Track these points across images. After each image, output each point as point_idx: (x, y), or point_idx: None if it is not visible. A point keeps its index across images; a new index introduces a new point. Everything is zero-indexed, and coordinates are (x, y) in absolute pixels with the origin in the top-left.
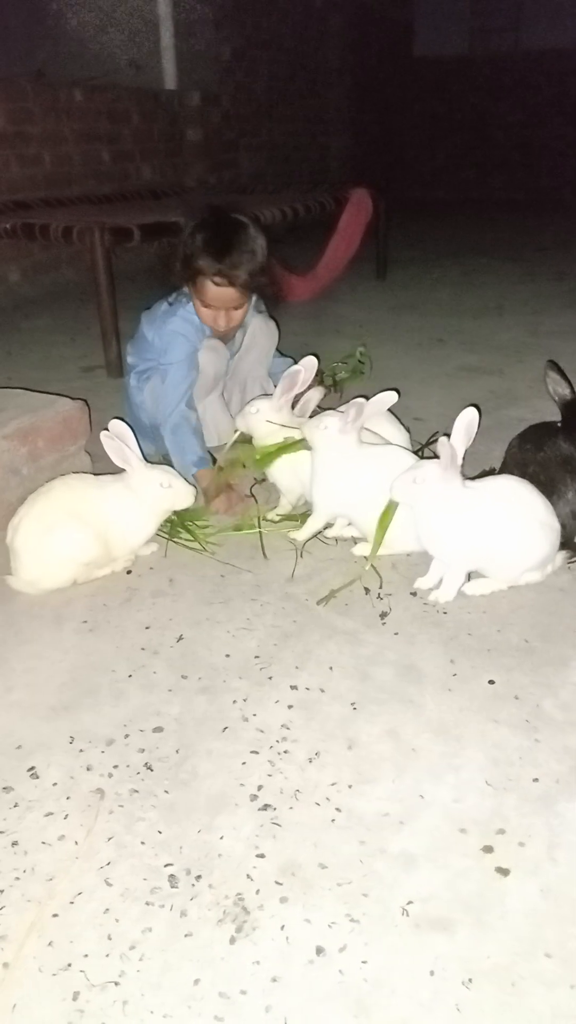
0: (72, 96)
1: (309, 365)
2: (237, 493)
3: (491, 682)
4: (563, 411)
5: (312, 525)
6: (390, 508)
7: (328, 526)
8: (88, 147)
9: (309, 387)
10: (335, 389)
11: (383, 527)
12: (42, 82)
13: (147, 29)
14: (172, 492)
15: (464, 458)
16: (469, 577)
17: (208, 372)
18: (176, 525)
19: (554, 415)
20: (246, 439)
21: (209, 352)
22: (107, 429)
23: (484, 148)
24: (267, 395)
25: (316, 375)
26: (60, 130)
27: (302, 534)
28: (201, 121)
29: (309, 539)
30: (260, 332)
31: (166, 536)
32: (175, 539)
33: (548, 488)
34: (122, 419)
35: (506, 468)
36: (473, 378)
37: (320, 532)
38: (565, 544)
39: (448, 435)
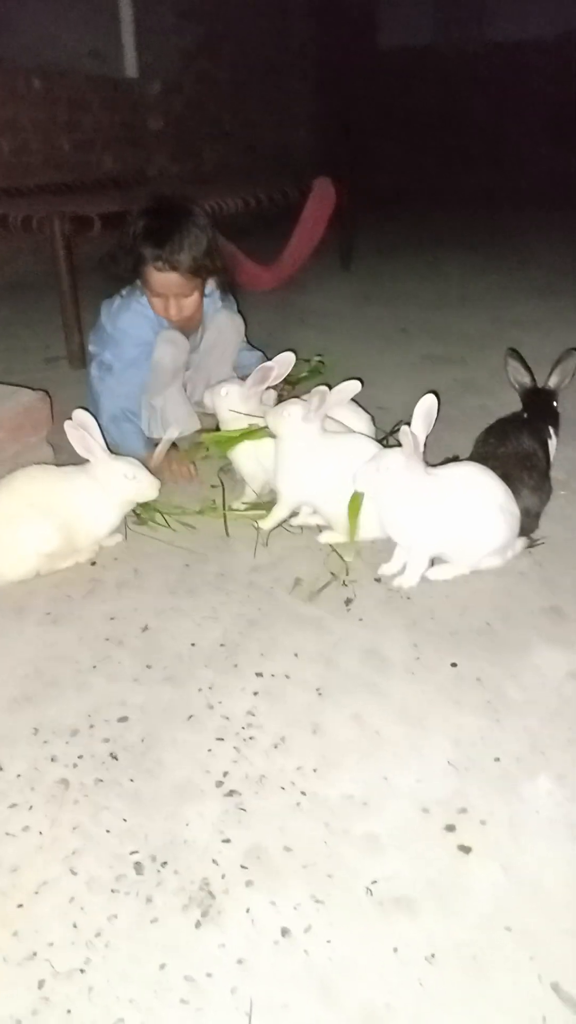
0: (31, 84)
1: (285, 361)
2: (178, 462)
3: (454, 665)
4: (523, 399)
5: (277, 514)
6: (357, 497)
7: (294, 514)
8: (47, 136)
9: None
10: (292, 389)
11: (354, 517)
12: None
13: (107, 16)
14: (136, 483)
15: (427, 446)
16: (432, 562)
17: (166, 365)
18: (143, 510)
19: (516, 403)
20: (209, 429)
21: (167, 345)
22: (71, 419)
23: (448, 139)
24: (238, 380)
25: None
26: (18, 118)
27: (268, 523)
28: (163, 110)
29: (275, 528)
30: (226, 328)
31: (135, 515)
32: (143, 520)
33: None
34: (86, 409)
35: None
36: (436, 367)
37: (286, 521)
38: (523, 533)
39: (407, 424)
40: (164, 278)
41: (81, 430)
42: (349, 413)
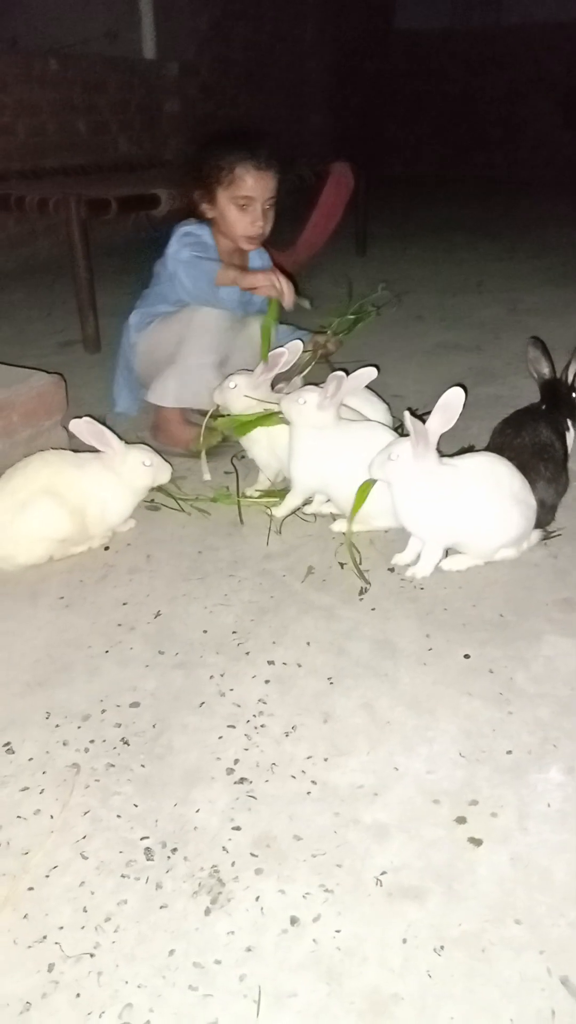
0: (47, 65)
1: (294, 349)
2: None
3: (466, 656)
4: (541, 390)
5: (291, 502)
6: (367, 485)
7: (307, 502)
8: (64, 118)
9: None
10: (344, 338)
11: (358, 504)
12: (16, 50)
13: None
14: (153, 469)
15: (441, 435)
16: (446, 553)
17: (210, 326)
18: (156, 496)
19: (531, 393)
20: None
21: (216, 311)
22: (79, 417)
23: (465, 124)
24: (247, 370)
25: (328, 326)
26: (35, 100)
27: (281, 511)
28: (179, 92)
29: (288, 516)
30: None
31: (149, 501)
32: (156, 506)
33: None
34: (94, 418)
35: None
36: (451, 355)
37: (299, 509)
38: (538, 524)
39: (411, 410)
40: (263, 179)
41: (94, 424)
42: (365, 403)
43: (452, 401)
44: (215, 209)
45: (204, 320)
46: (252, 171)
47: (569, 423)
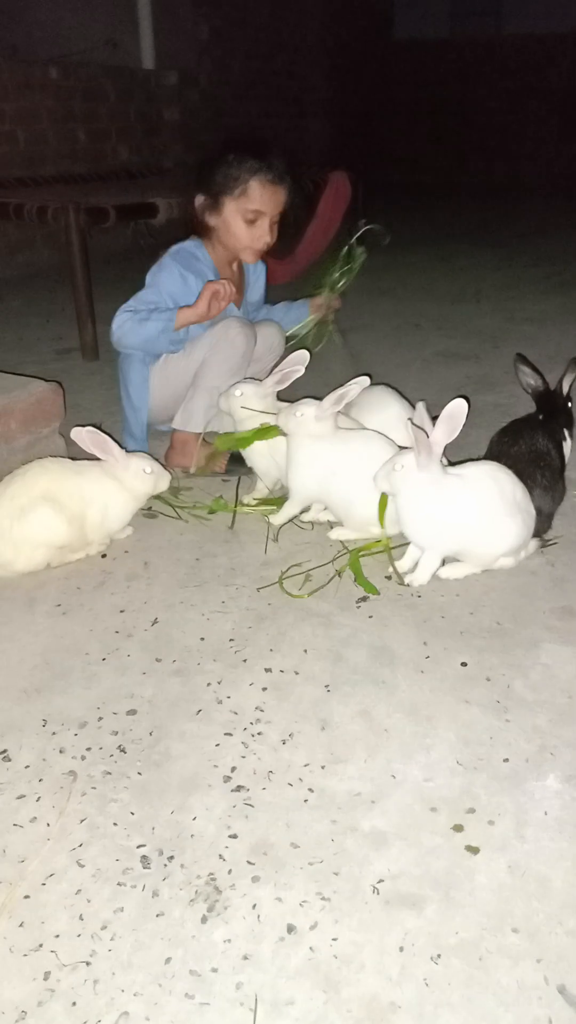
0: (47, 73)
1: (300, 359)
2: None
3: (463, 664)
4: (536, 402)
5: (289, 510)
6: (385, 496)
7: (305, 510)
8: (63, 126)
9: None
10: (346, 287)
11: (380, 513)
12: (16, 59)
13: (124, 6)
14: (154, 476)
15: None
16: (444, 561)
17: (239, 345)
18: (155, 503)
19: (530, 402)
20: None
21: (245, 326)
22: (81, 425)
23: (463, 133)
24: (255, 379)
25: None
26: (35, 108)
27: (279, 518)
28: (178, 101)
29: (285, 523)
30: (276, 343)
31: (145, 510)
32: (154, 513)
33: None
34: (98, 426)
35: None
36: (449, 363)
37: (297, 516)
38: (535, 533)
39: (412, 420)
40: (273, 192)
41: (96, 433)
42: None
43: (456, 411)
44: (219, 217)
45: (226, 341)
46: (266, 184)
47: (566, 432)
